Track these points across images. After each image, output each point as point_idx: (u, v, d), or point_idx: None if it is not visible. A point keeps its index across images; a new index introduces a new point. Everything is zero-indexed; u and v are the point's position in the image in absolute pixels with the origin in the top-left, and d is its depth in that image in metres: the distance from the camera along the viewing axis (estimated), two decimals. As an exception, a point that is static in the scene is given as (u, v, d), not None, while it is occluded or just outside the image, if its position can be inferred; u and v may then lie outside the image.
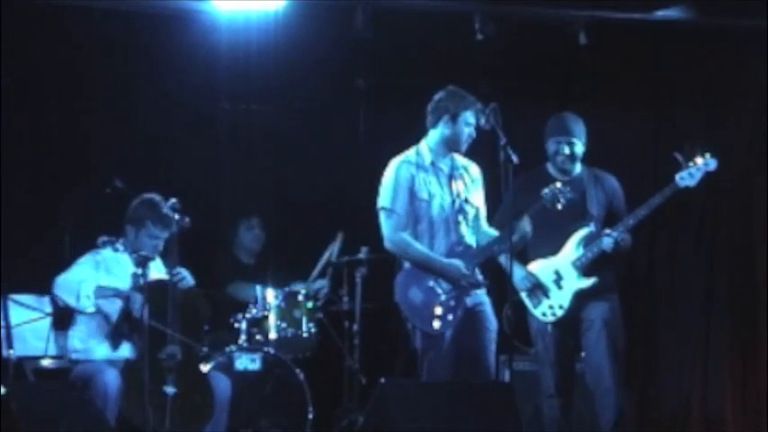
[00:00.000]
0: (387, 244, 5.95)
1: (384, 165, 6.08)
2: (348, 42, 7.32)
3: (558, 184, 5.92)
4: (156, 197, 6.25)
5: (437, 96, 6.02)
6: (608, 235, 6.11)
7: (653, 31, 7.45)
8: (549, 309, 6.22)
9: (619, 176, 6.45)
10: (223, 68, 7.44)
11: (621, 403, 6.18)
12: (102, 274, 6.13)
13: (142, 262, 5.89)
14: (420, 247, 5.88)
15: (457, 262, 5.86)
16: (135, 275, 5.96)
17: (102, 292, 6.03)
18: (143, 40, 7.29)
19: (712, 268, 7.88)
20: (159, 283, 6.12)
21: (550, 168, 6.33)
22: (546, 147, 6.33)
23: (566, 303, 6.20)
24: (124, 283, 6.07)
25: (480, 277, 5.94)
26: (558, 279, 6.22)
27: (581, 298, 6.20)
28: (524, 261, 6.30)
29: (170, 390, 5.85)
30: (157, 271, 6.30)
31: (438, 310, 5.84)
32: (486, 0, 7.26)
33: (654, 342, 7.93)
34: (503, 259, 6.12)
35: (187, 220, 6.17)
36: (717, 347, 7.78)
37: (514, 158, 5.69)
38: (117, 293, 6.03)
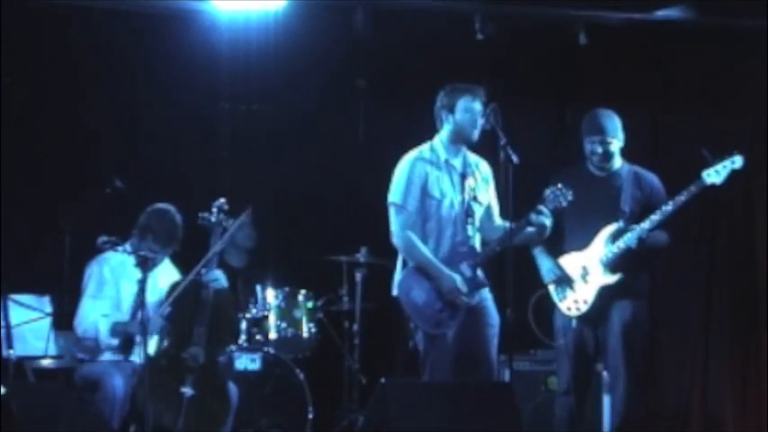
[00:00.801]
0: (394, 239, 5.96)
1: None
2: (348, 42, 7.32)
3: (560, 185, 5.92)
4: (170, 210, 6.28)
5: (438, 98, 6.05)
6: (632, 230, 6.12)
7: (653, 31, 7.45)
8: (573, 303, 6.22)
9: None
10: (223, 68, 7.44)
11: (630, 410, 6.16)
12: (112, 287, 6.16)
13: (142, 263, 5.89)
14: (424, 250, 5.89)
15: (456, 276, 5.86)
16: (140, 282, 5.98)
17: (115, 328, 6.08)
18: (143, 40, 7.29)
19: (712, 268, 7.87)
20: (192, 283, 6.11)
21: (590, 165, 6.35)
22: (583, 145, 6.34)
23: (590, 299, 6.19)
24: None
25: (482, 277, 5.93)
26: (585, 274, 6.21)
27: (606, 296, 6.18)
28: (557, 255, 6.31)
29: (188, 391, 5.84)
30: (167, 275, 6.31)
31: (440, 312, 5.85)
32: (486, 0, 7.26)
33: (654, 342, 7.91)
34: (536, 251, 6.22)
35: (231, 221, 6.19)
36: (717, 347, 7.77)
37: (514, 158, 5.69)
38: (126, 330, 6.07)
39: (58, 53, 7.28)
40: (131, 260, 6.00)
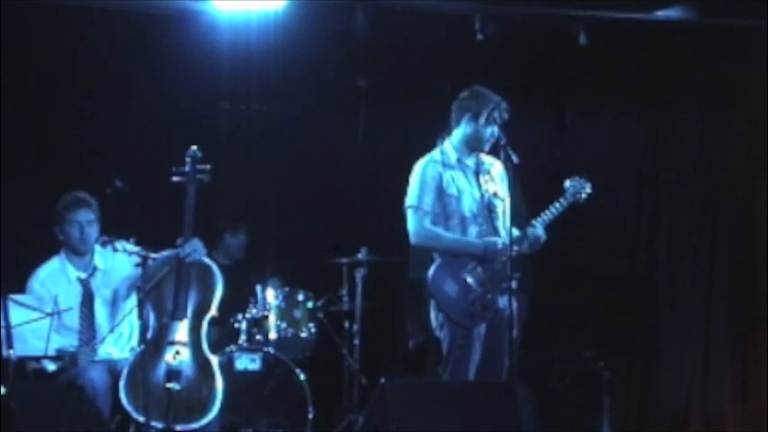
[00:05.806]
0: (415, 239, 5.93)
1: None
2: (348, 42, 7.32)
3: (578, 177, 5.90)
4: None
5: (461, 95, 6.03)
6: None
7: (653, 31, 7.45)
8: None
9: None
10: (223, 68, 7.43)
11: None
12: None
13: (143, 262, 5.85)
14: (451, 235, 5.88)
15: (492, 238, 5.85)
16: (81, 280, 5.98)
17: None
18: (143, 40, 7.29)
19: (712, 268, 7.87)
20: (163, 261, 5.78)
21: None
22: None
23: None
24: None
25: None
26: None
27: None
28: None
29: (174, 386, 5.60)
30: (127, 261, 6.10)
31: (473, 304, 5.83)
32: (486, 0, 7.27)
33: (654, 341, 7.92)
34: None
35: (207, 170, 5.95)
36: (717, 346, 7.77)
37: (514, 158, 5.70)
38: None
39: (58, 53, 7.28)
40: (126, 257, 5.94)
